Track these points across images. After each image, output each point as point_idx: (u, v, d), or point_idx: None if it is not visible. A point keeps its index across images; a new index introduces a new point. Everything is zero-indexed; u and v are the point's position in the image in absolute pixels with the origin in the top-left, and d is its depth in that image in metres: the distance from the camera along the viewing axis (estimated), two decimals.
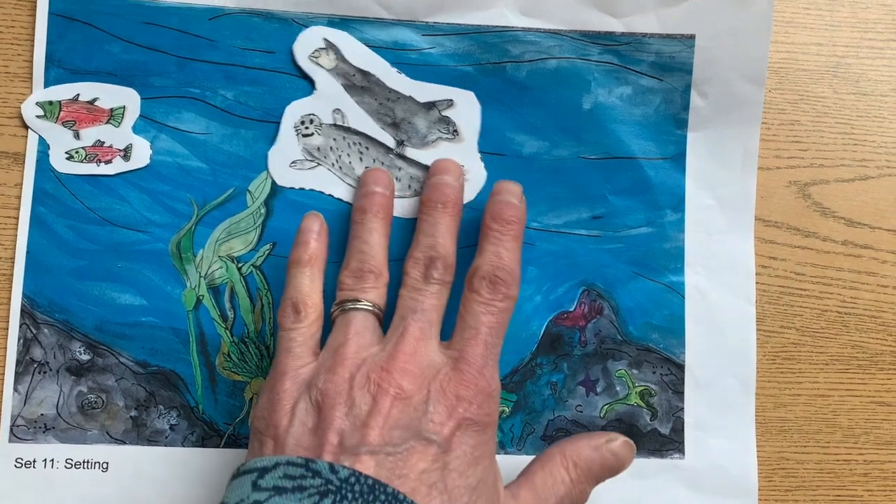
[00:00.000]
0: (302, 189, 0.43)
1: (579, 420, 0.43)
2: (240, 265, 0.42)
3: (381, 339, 0.38)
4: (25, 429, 0.41)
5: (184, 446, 0.42)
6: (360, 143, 0.43)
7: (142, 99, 0.42)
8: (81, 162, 0.42)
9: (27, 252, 0.42)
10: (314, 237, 0.40)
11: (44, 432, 0.41)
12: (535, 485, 0.38)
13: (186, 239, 0.42)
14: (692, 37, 0.43)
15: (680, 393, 0.43)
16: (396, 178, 0.43)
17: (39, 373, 0.41)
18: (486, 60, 0.43)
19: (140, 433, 0.42)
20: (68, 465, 0.41)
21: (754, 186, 0.44)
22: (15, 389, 0.41)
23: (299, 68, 0.43)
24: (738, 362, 0.43)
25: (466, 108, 0.43)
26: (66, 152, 0.42)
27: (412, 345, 0.36)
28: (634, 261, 0.44)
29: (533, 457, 0.39)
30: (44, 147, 0.42)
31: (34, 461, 0.41)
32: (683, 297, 0.43)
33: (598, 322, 0.43)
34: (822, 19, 0.45)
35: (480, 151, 0.43)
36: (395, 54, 0.43)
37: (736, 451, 0.43)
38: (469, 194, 0.43)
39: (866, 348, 0.44)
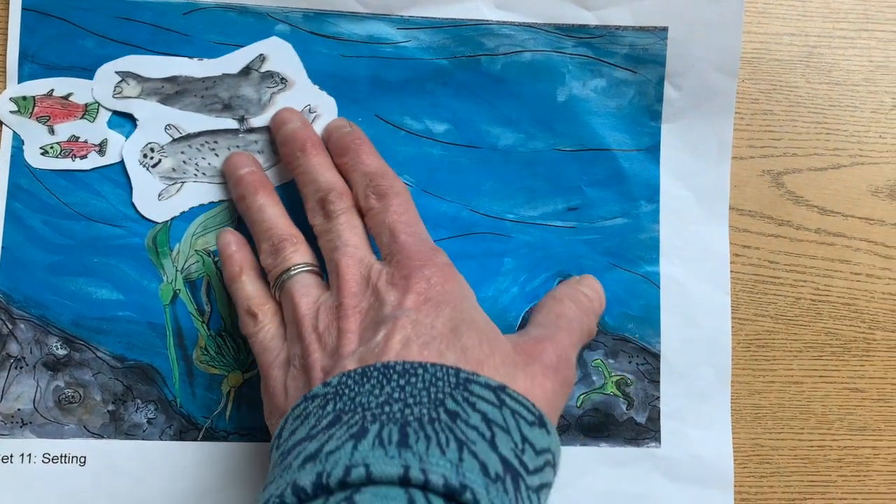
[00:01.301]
0: (183, 213, 0.42)
1: None
2: (216, 259, 0.42)
3: (328, 288, 0.38)
4: (2, 424, 0.41)
5: (161, 440, 0.42)
6: (207, 142, 0.42)
7: None
8: (56, 157, 0.42)
9: (2, 247, 0.41)
10: (234, 249, 0.40)
11: (21, 427, 0.41)
12: (538, 323, 0.39)
13: (163, 233, 0.42)
14: (665, 29, 0.44)
15: (656, 382, 0.44)
16: (259, 152, 0.43)
17: (16, 368, 0.41)
18: (462, 53, 0.44)
19: (118, 427, 0.42)
20: (46, 460, 0.41)
21: (728, 177, 0.44)
22: None
23: (112, 111, 0.42)
24: (713, 352, 0.44)
25: (280, 54, 0.43)
26: (41, 147, 0.42)
27: (351, 272, 0.37)
28: (610, 251, 0.44)
29: None
30: (18, 142, 0.42)
31: (11, 456, 0.41)
32: (659, 287, 0.44)
33: None
34: (794, 9, 0.46)
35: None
36: (370, 48, 0.43)
37: (712, 440, 0.43)
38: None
39: (839, 335, 0.45)
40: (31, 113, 0.42)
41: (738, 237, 0.45)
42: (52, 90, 0.42)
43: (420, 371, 0.32)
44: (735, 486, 0.43)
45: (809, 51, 0.45)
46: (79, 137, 0.42)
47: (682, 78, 0.44)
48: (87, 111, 0.42)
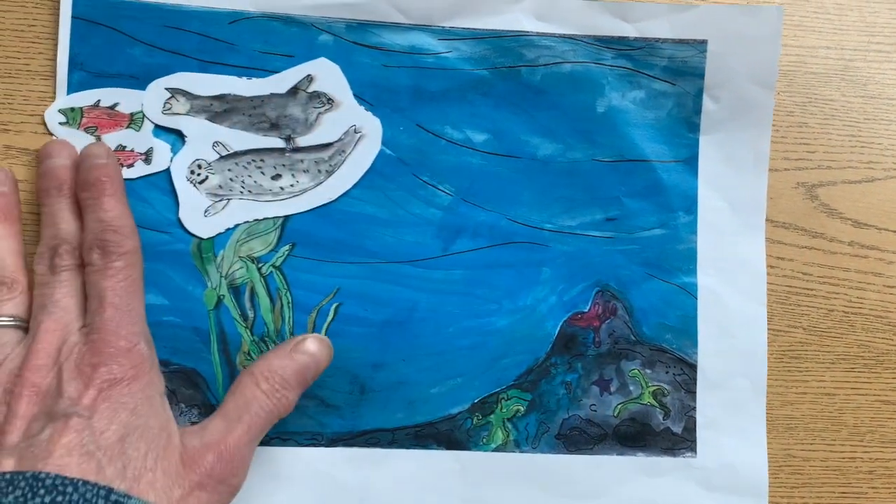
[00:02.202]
0: (228, 230, 0.43)
1: (593, 419, 0.44)
2: (260, 265, 0.43)
3: None
4: None
5: None
6: (254, 160, 0.43)
7: None
8: None
9: None
10: None
11: None
12: (226, 411, 0.37)
13: (207, 240, 0.43)
14: (704, 42, 0.44)
15: (692, 392, 0.44)
16: (304, 171, 0.43)
17: None
18: (502, 64, 0.44)
19: None
20: None
21: (765, 189, 0.45)
22: None
23: (161, 127, 0.42)
24: (749, 363, 0.44)
25: (327, 74, 0.43)
26: None
27: (46, 342, 0.36)
28: (648, 262, 0.44)
29: (547, 455, 0.41)
30: None
31: None
32: (696, 298, 0.44)
33: (611, 322, 0.44)
34: (830, 23, 0.46)
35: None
36: (412, 58, 0.44)
37: (747, 450, 0.44)
38: (374, 146, 0.43)
39: (872, 348, 0.45)
40: (80, 124, 0.42)
41: (772, 249, 0.45)
42: (99, 100, 0.42)
43: (69, 489, 0.31)
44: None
45: (845, 64, 0.46)
46: (125, 146, 0.42)
47: (720, 90, 0.44)
48: (133, 120, 0.42)
